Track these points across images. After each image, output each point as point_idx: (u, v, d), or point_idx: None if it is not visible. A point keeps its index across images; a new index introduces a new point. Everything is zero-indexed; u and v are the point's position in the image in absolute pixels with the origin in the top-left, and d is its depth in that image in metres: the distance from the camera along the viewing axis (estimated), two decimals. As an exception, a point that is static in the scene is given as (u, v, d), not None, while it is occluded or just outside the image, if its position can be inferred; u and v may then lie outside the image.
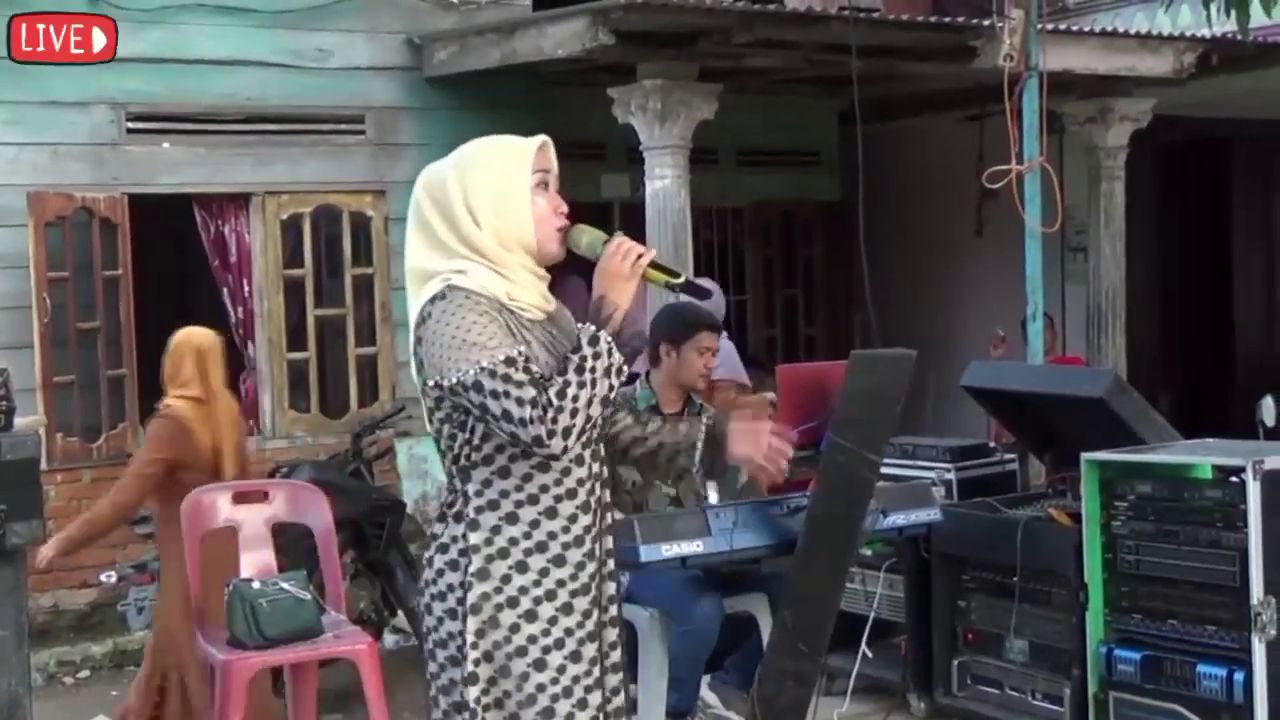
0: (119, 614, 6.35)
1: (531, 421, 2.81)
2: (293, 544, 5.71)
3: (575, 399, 2.84)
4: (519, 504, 2.95)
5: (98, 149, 8.01)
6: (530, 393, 2.82)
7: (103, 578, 6.29)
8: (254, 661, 4.93)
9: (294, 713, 5.29)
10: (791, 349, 11.19)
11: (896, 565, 5.81)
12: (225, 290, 8.54)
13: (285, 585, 4.97)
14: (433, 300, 2.93)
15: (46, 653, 7.44)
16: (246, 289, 8.49)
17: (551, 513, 2.97)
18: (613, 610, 3.11)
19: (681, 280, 3.13)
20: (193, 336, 5.62)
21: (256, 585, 4.95)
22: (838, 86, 8.96)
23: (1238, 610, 4.74)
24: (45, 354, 7.69)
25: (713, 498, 5.14)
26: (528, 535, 2.95)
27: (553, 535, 2.96)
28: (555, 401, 2.83)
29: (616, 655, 3.11)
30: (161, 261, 9.20)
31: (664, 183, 8.13)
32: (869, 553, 5.69)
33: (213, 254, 8.52)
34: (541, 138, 3.07)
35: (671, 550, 4.37)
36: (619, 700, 3.11)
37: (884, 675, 5.94)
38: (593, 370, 2.87)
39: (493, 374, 2.83)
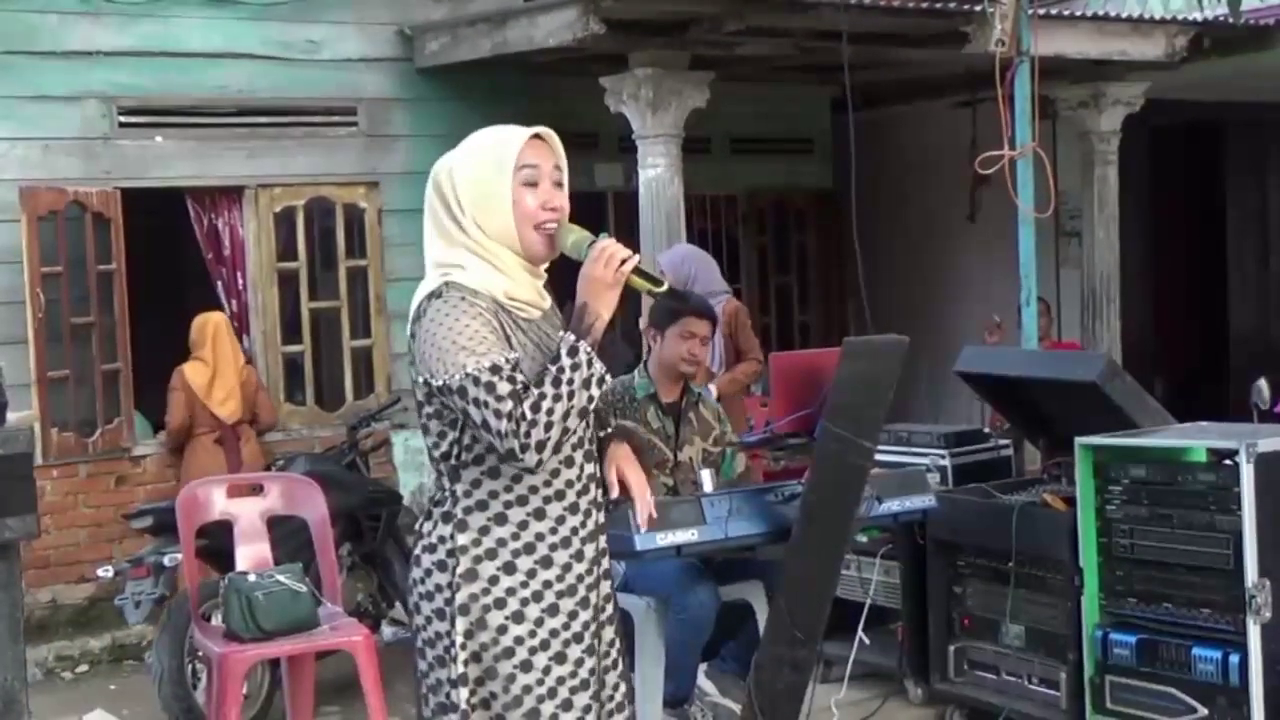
0: (117, 608, 6.34)
1: (506, 435, 2.79)
2: (289, 537, 5.71)
3: (550, 412, 2.81)
4: (508, 505, 2.94)
5: (89, 143, 8.00)
6: (508, 405, 2.79)
7: (100, 572, 6.28)
8: (250, 654, 4.94)
9: (292, 705, 5.30)
10: (786, 337, 11.19)
11: (892, 552, 5.81)
12: (219, 283, 8.53)
13: (281, 578, 4.97)
14: (429, 297, 2.91)
15: (45, 647, 7.45)
16: (240, 282, 8.49)
17: (540, 514, 2.95)
18: (609, 609, 3.09)
19: (665, 289, 3.07)
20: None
21: (252, 578, 4.96)
22: (829, 73, 8.95)
23: (1232, 593, 4.75)
24: (39, 349, 7.68)
25: (708, 486, 5.14)
26: (516, 536, 2.93)
27: (540, 536, 2.95)
28: (529, 415, 2.80)
29: (615, 652, 3.11)
30: (155, 255, 9.19)
31: (657, 171, 8.13)
32: (864, 539, 5.70)
33: (206, 247, 8.51)
34: (532, 130, 3.00)
35: (667, 539, 4.37)
36: (620, 695, 3.11)
37: (881, 662, 5.95)
38: (570, 382, 2.83)
39: (476, 381, 2.80)
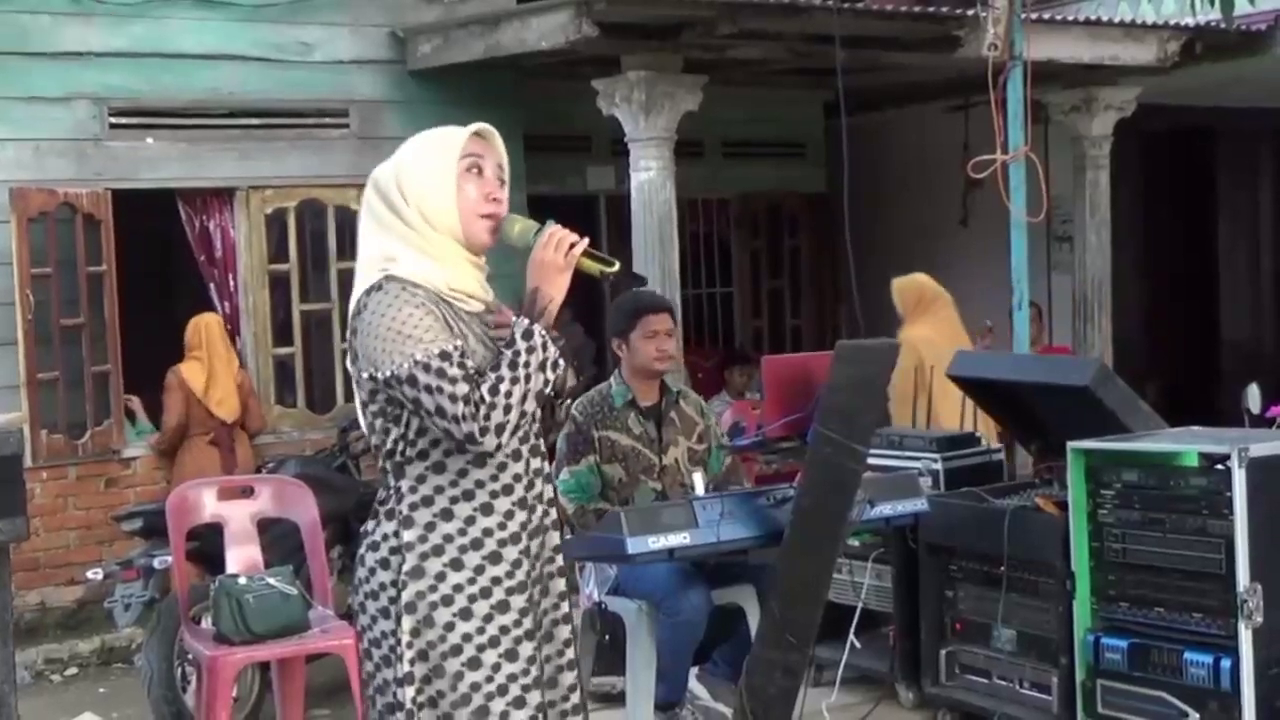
0: (106, 611, 6.33)
1: (464, 418, 2.78)
2: (279, 540, 5.70)
3: (509, 395, 2.81)
4: (454, 500, 2.91)
5: (80, 144, 7.98)
6: (463, 389, 2.78)
7: (90, 575, 6.28)
8: (240, 657, 4.93)
9: (282, 708, 5.28)
10: (778, 341, 11.19)
11: (884, 555, 5.80)
12: (211, 285, 8.52)
13: (272, 581, 4.97)
14: (369, 291, 2.89)
15: (34, 650, 7.43)
16: (232, 284, 8.48)
17: (487, 509, 2.92)
18: (564, 607, 3.06)
19: (616, 269, 3.02)
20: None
21: (243, 581, 4.96)
22: (822, 77, 8.95)
23: (1224, 597, 4.74)
24: (29, 351, 7.66)
25: (699, 488, 5.13)
26: (463, 532, 2.91)
27: (488, 532, 2.92)
28: (488, 398, 2.80)
29: (571, 653, 3.07)
30: (146, 257, 9.18)
31: (649, 175, 8.13)
32: (856, 543, 5.70)
33: (198, 249, 8.50)
34: (477, 125, 3.02)
35: (658, 542, 4.36)
36: (576, 698, 3.07)
37: (872, 666, 5.94)
38: (526, 365, 2.84)
39: (427, 368, 2.79)
